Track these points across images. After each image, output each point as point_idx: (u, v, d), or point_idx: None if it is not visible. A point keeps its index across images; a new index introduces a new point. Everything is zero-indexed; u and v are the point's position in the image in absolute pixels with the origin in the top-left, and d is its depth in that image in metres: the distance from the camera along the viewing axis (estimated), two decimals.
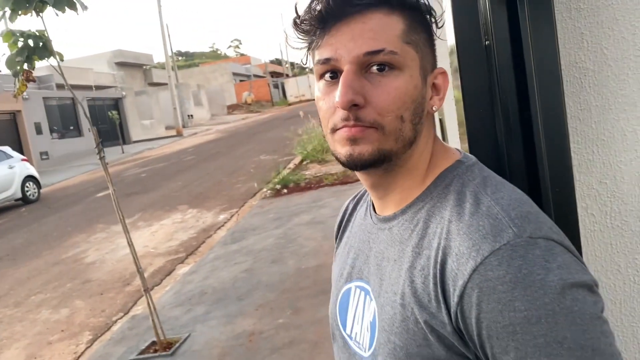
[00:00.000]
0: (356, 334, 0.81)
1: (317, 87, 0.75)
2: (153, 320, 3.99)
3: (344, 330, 0.85)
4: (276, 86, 53.88)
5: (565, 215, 0.94)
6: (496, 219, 0.65)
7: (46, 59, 3.32)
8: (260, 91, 50.76)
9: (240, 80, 52.64)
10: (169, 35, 35.28)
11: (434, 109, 0.76)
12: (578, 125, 1.07)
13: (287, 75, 59.09)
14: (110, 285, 6.14)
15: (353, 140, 0.70)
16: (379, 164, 0.73)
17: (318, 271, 5.09)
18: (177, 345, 4.09)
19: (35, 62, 3.27)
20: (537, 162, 0.91)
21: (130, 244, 3.98)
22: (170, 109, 31.87)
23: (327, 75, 0.72)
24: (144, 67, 40.40)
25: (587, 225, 1.10)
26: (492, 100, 0.93)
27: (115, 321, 5.08)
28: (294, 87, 46.64)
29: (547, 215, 0.69)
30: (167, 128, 33.17)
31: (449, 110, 1.41)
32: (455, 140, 1.31)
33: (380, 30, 0.69)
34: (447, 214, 0.70)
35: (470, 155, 0.80)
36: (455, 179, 0.74)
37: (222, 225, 8.10)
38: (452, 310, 0.64)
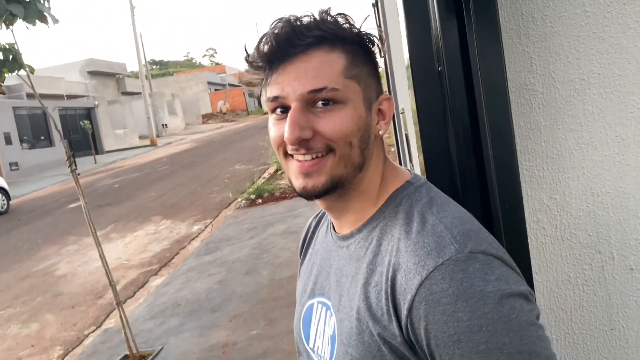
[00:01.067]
0: (318, 347, 0.86)
1: (270, 119, 0.80)
2: (125, 333, 3.96)
3: (307, 344, 0.89)
4: (251, 95, 53.70)
5: (514, 230, 1.00)
6: (440, 237, 0.70)
7: (16, 71, 3.29)
8: (235, 100, 50.60)
9: (216, 89, 52.39)
10: (142, 44, 35.04)
11: (380, 132, 0.81)
12: (529, 144, 1.14)
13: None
14: (82, 298, 6.06)
15: (306, 174, 0.76)
16: (332, 191, 0.78)
17: (292, 281, 5.11)
18: (150, 358, 4.06)
19: (5, 74, 3.25)
20: (487, 179, 0.97)
21: (102, 257, 3.95)
22: (144, 119, 31.55)
23: (278, 110, 0.77)
24: (117, 76, 39.93)
25: (539, 238, 1.17)
26: (445, 120, 0.99)
27: (87, 335, 5.01)
28: None
29: (488, 232, 0.75)
30: (141, 137, 32.80)
31: (412, 125, 1.46)
32: (417, 150, 1.37)
33: (322, 68, 0.73)
34: (397, 232, 0.75)
35: (419, 175, 0.85)
36: (404, 199, 0.79)
37: (196, 236, 8.06)
38: (403, 322, 0.69)
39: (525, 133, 1.13)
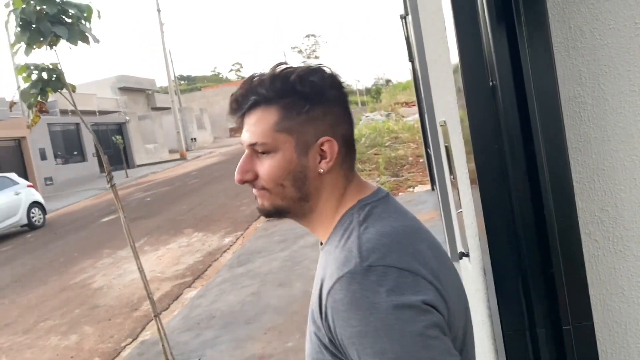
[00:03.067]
0: None
1: None
2: (163, 345, 4.02)
3: None
4: None
5: (569, 242, 1.00)
6: (350, 252, 0.83)
7: (59, 90, 3.41)
8: None
9: None
10: (171, 60, 35.72)
11: (320, 171, 0.91)
12: (579, 156, 1.14)
13: None
14: (118, 310, 6.17)
15: (257, 198, 0.96)
16: (280, 215, 0.95)
17: None
18: None
19: (50, 93, 3.37)
20: (541, 192, 0.97)
21: (141, 269, 4.03)
22: (174, 133, 32.13)
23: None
24: (147, 91, 40.80)
25: (590, 251, 1.16)
26: (498, 136, 1.00)
27: (125, 347, 5.10)
28: None
29: (414, 247, 0.84)
30: (171, 152, 33.36)
31: (456, 137, 1.47)
32: (462, 161, 1.38)
33: (257, 124, 0.90)
34: (332, 247, 0.89)
35: (379, 192, 0.95)
36: (348, 216, 0.91)
37: (228, 248, 8.15)
38: (324, 325, 0.82)
39: (575, 145, 1.13)
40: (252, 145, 0.91)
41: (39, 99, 3.35)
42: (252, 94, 0.91)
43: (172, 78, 35.22)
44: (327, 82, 0.91)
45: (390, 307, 0.74)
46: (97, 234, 11.16)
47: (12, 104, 3.39)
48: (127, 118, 29.41)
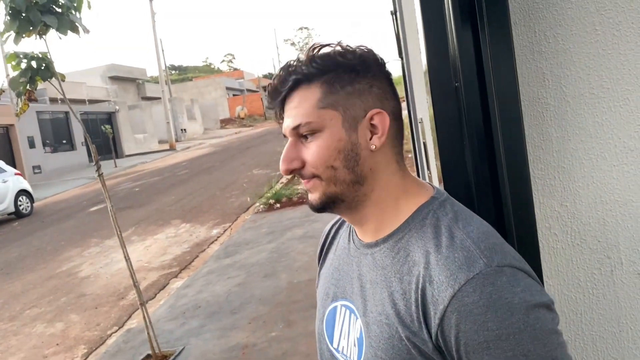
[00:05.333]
0: (343, 347, 0.92)
1: None
2: (149, 333, 4.07)
3: (331, 344, 0.95)
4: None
5: (526, 235, 1.07)
6: (469, 251, 0.76)
7: (48, 79, 3.43)
8: (253, 105, 50.97)
9: (234, 95, 52.83)
10: (162, 50, 35.50)
11: (373, 147, 0.85)
12: (541, 154, 1.21)
13: None
14: (104, 299, 6.20)
15: (308, 191, 0.88)
16: (333, 205, 0.87)
17: (310, 285, 5.19)
18: (172, 358, 4.17)
19: (38, 82, 3.39)
20: (500, 187, 1.04)
21: (127, 258, 4.07)
22: (164, 123, 31.96)
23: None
24: (138, 81, 40.54)
25: (550, 243, 1.23)
26: (461, 133, 1.06)
27: (110, 335, 5.14)
28: None
29: (510, 245, 0.82)
30: (161, 142, 33.22)
31: (430, 134, 1.54)
32: (433, 158, 1.44)
33: (299, 105, 0.84)
34: (426, 246, 0.80)
35: (442, 190, 0.91)
36: (430, 213, 0.84)
37: (216, 240, 8.19)
38: (433, 330, 0.75)
39: (537, 144, 1.20)
40: (295, 129, 0.84)
41: (28, 87, 3.38)
42: (290, 75, 0.85)
43: (163, 68, 35.03)
44: (370, 55, 0.86)
45: (530, 306, 0.72)
46: (85, 223, 11.15)
47: (0, 92, 3.41)
48: (117, 107, 29.23)
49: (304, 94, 0.84)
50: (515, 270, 0.75)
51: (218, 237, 8.37)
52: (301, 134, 0.84)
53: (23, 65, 3.34)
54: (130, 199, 13.42)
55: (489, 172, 1.06)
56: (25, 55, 3.33)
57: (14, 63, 3.31)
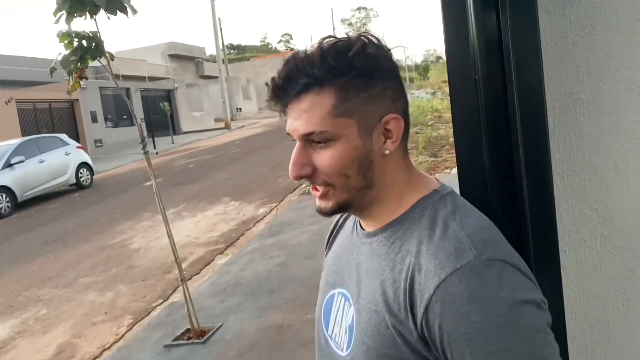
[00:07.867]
0: (335, 334, 0.92)
1: None
2: (188, 309, 4.19)
3: (326, 330, 0.96)
4: None
5: (545, 239, 1.00)
6: (460, 242, 0.75)
7: (98, 58, 3.53)
8: None
9: None
10: (221, 29, 35.99)
11: (386, 152, 0.82)
12: (571, 153, 1.12)
13: None
14: (152, 272, 6.42)
15: (318, 198, 0.85)
16: (343, 210, 0.86)
17: None
18: (210, 333, 4.27)
19: (88, 61, 3.49)
20: (517, 189, 0.98)
21: (170, 235, 4.18)
22: (220, 102, 32.52)
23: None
24: (196, 59, 41.35)
25: (577, 249, 1.15)
26: (479, 128, 1.00)
27: (155, 307, 5.33)
28: None
29: (507, 242, 0.79)
30: (216, 120, 33.87)
31: None
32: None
33: (312, 111, 0.79)
34: (420, 236, 0.79)
35: (447, 185, 0.88)
36: (429, 205, 0.83)
37: (262, 219, 8.31)
38: (418, 319, 0.74)
39: (568, 142, 1.12)
40: (307, 135, 0.80)
41: (78, 65, 3.48)
42: (300, 76, 0.78)
43: (221, 47, 35.54)
44: (382, 53, 0.81)
45: (516, 302, 0.70)
46: (139, 197, 11.54)
47: (52, 70, 3.53)
48: (176, 85, 29.96)
49: (316, 98, 0.79)
50: (506, 265, 0.73)
51: (264, 216, 8.48)
52: (312, 140, 0.81)
53: (74, 44, 3.45)
54: (184, 175, 13.79)
55: (507, 170, 0.99)
56: (77, 34, 3.44)
57: (66, 42, 3.42)
